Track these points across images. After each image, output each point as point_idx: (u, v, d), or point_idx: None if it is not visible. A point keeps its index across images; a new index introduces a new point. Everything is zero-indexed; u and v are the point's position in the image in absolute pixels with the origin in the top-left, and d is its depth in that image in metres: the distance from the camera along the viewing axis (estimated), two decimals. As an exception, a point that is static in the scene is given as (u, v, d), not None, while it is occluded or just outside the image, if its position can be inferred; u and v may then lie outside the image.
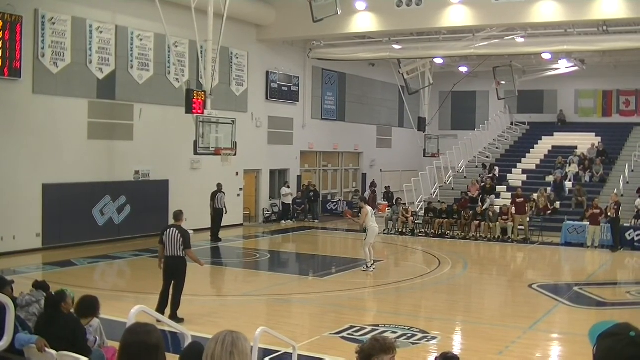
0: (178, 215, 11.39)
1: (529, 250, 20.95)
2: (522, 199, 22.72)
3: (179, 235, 10.95)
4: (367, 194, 28.73)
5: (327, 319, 11.63)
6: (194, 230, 17.98)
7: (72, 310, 6.90)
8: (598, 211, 20.88)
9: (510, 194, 25.26)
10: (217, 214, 20.87)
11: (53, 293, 6.64)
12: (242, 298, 13.82)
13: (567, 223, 21.78)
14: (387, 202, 28.44)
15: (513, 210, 22.55)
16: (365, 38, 25.89)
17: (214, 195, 20.76)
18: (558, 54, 25.97)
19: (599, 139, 29.26)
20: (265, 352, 8.69)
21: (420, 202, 26.02)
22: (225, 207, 21.06)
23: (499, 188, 26.12)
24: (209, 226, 21.05)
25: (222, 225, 21.15)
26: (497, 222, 22.36)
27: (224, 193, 20.99)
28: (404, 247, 21.39)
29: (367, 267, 15.95)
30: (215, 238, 20.75)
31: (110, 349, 6.94)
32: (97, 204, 19.47)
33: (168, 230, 11.08)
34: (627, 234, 20.85)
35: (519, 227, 22.33)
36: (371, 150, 33.72)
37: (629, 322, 2.29)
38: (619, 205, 20.87)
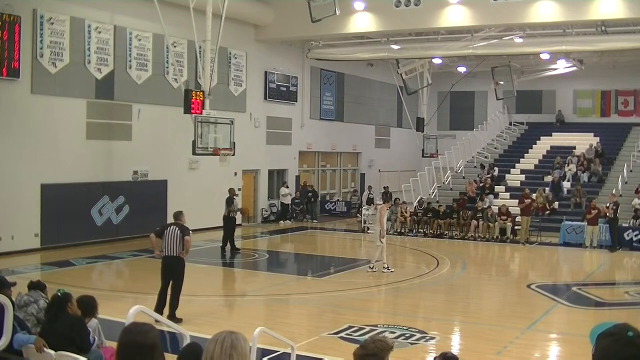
0: (178, 215, 11.38)
1: (527, 250, 20.95)
2: (529, 200, 22.28)
3: (179, 231, 10.94)
4: (365, 194, 28.73)
5: (326, 319, 11.64)
6: (192, 230, 17.92)
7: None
8: (597, 211, 20.89)
9: (508, 194, 25.30)
10: (232, 221, 18.95)
11: (60, 294, 6.59)
12: (240, 298, 13.84)
13: (565, 223, 21.80)
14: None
15: (518, 211, 22.44)
16: (364, 38, 25.88)
17: (230, 201, 18.80)
18: (556, 54, 25.97)
19: (598, 139, 29.30)
20: (264, 352, 8.69)
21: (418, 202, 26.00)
22: (240, 210, 19.83)
23: (497, 188, 26.12)
24: (208, 227, 20.97)
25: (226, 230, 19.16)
26: (496, 222, 22.37)
27: (236, 197, 19.56)
28: (402, 247, 21.38)
29: (385, 268, 15.90)
30: (233, 248, 18.94)
31: (109, 349, 6.93)
32: (95, 204, 19.46)
33: (169, 228, 11.08)
34: (625, 234, 20.88)
35: (517, 228, 22.30)
36: (369, 150, 33.73)
37: (628, 323, 2.30)
38: (617, 205, 20.89)
